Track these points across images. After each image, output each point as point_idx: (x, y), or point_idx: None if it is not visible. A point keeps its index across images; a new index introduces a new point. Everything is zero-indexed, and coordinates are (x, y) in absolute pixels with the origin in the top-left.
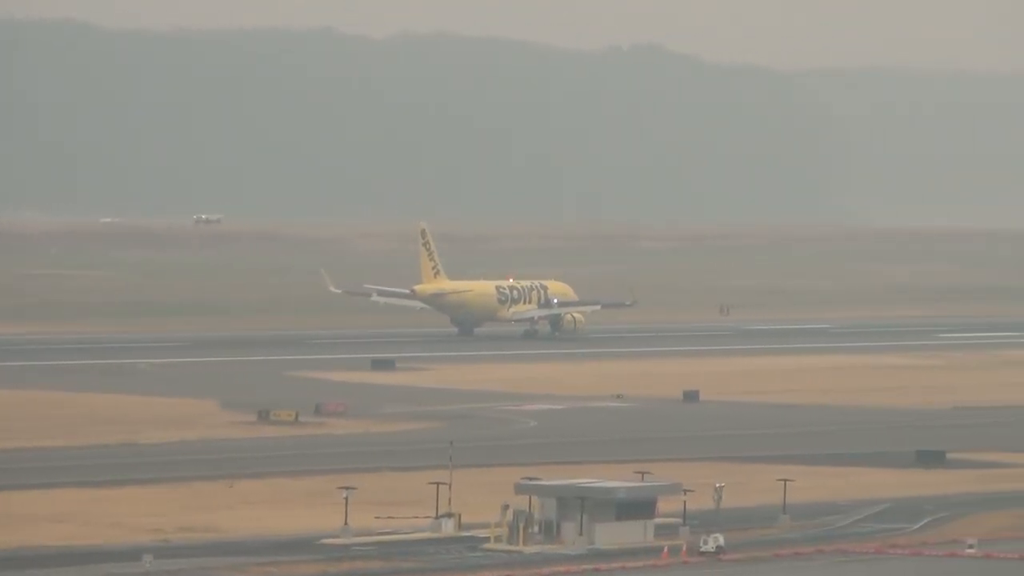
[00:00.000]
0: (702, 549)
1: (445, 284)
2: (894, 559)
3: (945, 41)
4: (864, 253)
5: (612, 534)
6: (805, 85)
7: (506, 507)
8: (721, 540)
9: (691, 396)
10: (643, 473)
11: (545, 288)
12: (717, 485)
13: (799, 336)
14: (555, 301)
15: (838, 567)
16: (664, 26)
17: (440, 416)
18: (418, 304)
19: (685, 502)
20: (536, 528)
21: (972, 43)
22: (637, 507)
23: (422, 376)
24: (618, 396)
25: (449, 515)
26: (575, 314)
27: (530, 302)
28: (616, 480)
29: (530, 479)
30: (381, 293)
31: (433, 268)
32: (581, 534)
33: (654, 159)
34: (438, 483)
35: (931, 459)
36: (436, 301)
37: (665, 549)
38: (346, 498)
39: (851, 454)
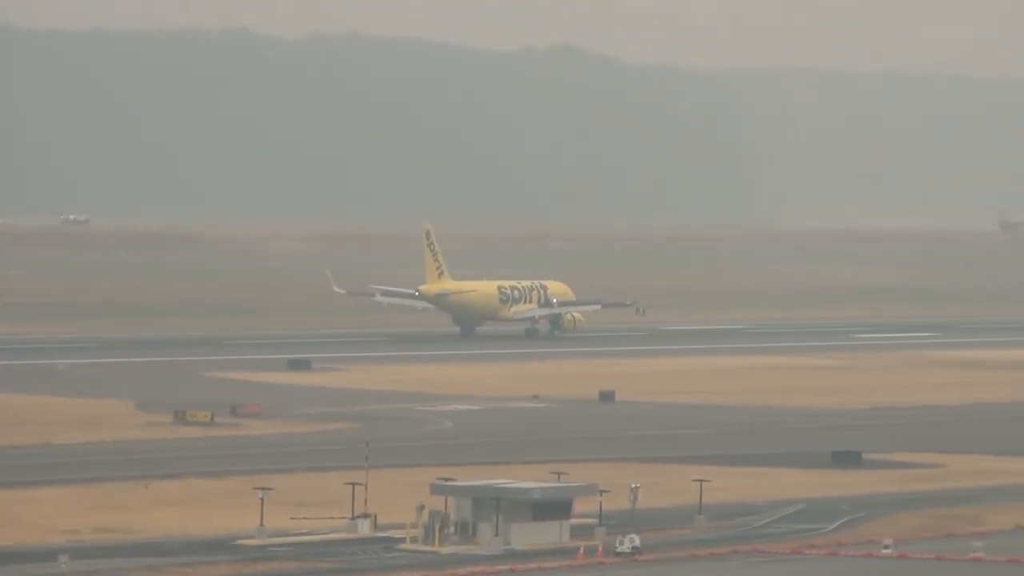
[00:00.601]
0: (618, 550)
1: (449, 284)
2: (810, 559)
3: (865, 41)
4: (782, 254)
5: (528, 535)
6: (726, 86)
7: (422, 508)
8: (637, 541)
9: (607, 396)
10: (559, 474)
11: (545, 288)
12: (633, 486)
13: (715, 337)
14: (555, 301)
15: (754, 568)
16: (581, 27)
17: (356, 417)
18: (422, 304)
19: (601, 503)
20: (452, 529)
21: (892, 43)
22: (553, 508)
23: (339, 377)
24: (534, 397)
25: (365, 516)
26: (575, 314)
27: (531, 302)
28: (532, 481)
29: (446, 480)
30: (385, 293)
31: (437, 269)
32: (497, 535)
33: (570, 160)
34: (354, 484)
35: (847, 459)
36: (440, 301)
37: (581, 550)
38: (262, 499)
39: (767, 455)
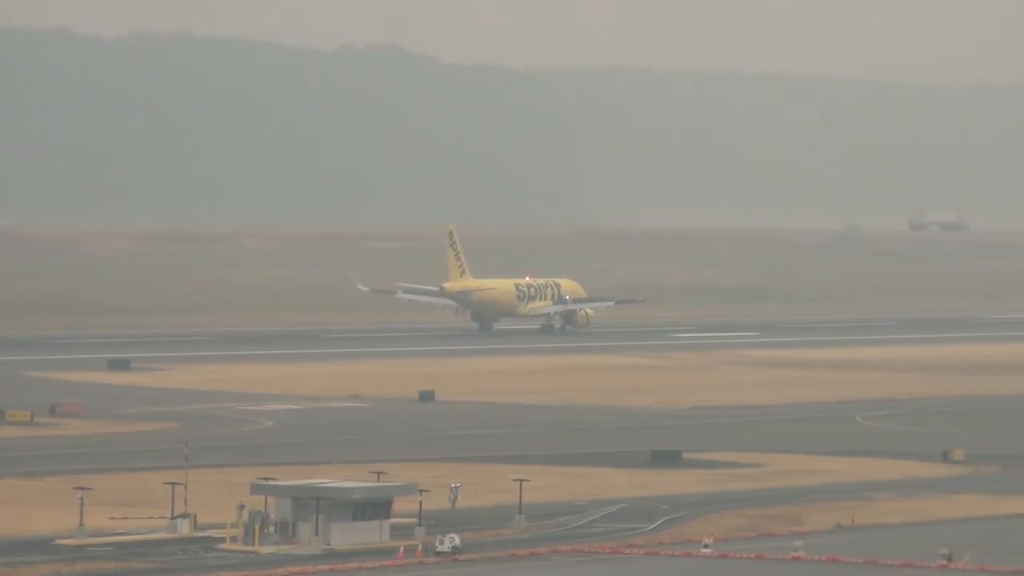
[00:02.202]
0: (438, 549)
1: (471, 282)
2: (630, 559)
3: (691, 40)
4: (602, 253)
5: (348, 534)
6: (546, 85)
7: (242, 507)
8: (457, 540)
9: (427, 396)
10: (379, 473)
11: (558, 286)
12: (453, 485)
13: (534, 336)
14: (568, 298)
15: (574, 567)
16: (400, 26)
17: (176, 417)
18: (442, 301)
19: (421, 502)
20: (272, 528)
21: (720, 43)
22: (373, 507)
23: (160, 377)
24: (355, 396)
25: (185, 515)
26: (587, 310)
27: (545, 299)
28: (352, 480)
29: (266, 479)
30: (407, 291)
31: (459, 267)
32: (317, 534)
33: (390, 159)
34: (173, 483)
35: (666, 459)
36: (462, 298)
37: (401, 549)
38: (81, 499)
39: (587, 454)
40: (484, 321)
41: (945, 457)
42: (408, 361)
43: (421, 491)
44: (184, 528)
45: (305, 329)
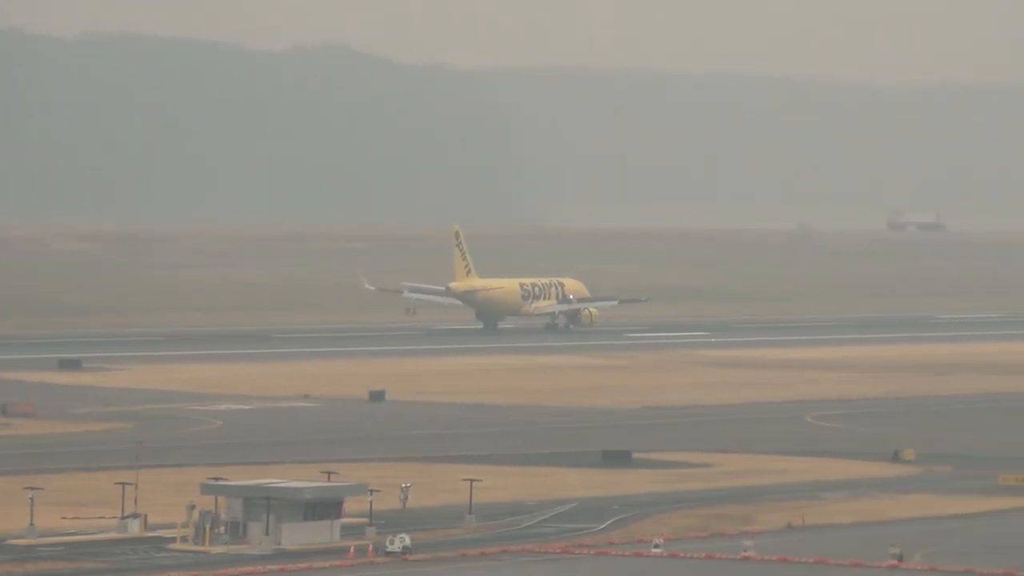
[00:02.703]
0: (388, 549)
1: (476, 282)
2: (580, 559)
3: (635, 40)
4: (553, 253)
5: (298, 534)
6: (496, 84)
7: (192, 507)
8: (407, 540)
9: (377, 396)
10: (329, 473)
11: (562, 285)
12: (403, 485)
13: (486, 336)
14: (571, 297)
15: (524, 567)
16: (349, 25)
17: (127, 416)
18: (447, 300)
19: (371, 502)
20: (222, 528)
21: (662, 42)
22: (323, 507)
23: (110, 377)
24: (305, 396)
25: (135, 515)
26: (591, 309)
27: (549, 298)
28: (302, 480)
29: (216, 479)
30: (413, 290)
31: (465, 267)
32: (267, 534)
33: (336, 159)
34: (124, 483)
35: (617, 459)
36: (468, 297)
37: (351, 549)
38: (31, 498)
39: (538, 454)
40: (489, 320)
41: (896, 457)
42: (359, 361)
43: (371, 491)
44: (135, 528)
45: (255, 329)
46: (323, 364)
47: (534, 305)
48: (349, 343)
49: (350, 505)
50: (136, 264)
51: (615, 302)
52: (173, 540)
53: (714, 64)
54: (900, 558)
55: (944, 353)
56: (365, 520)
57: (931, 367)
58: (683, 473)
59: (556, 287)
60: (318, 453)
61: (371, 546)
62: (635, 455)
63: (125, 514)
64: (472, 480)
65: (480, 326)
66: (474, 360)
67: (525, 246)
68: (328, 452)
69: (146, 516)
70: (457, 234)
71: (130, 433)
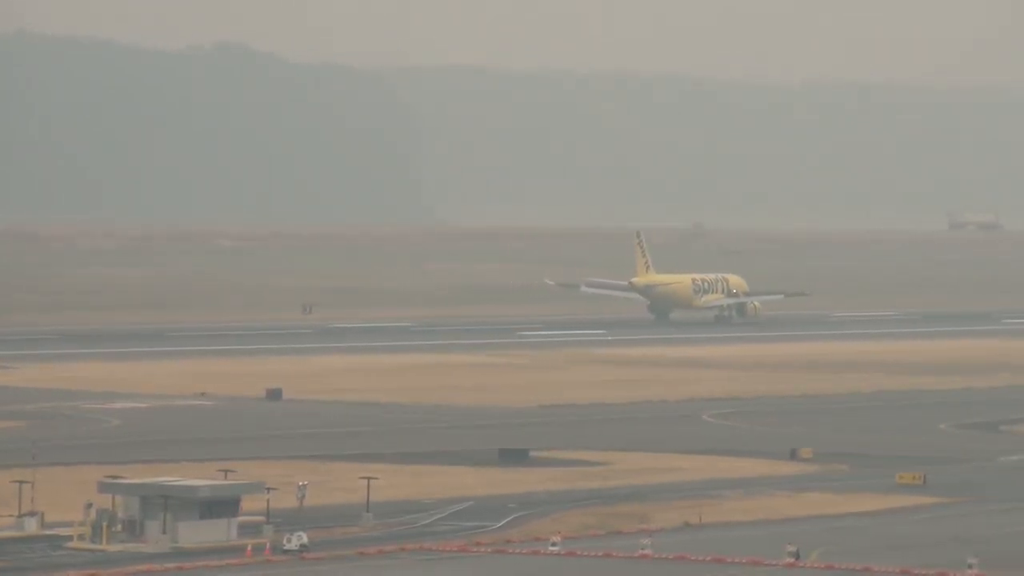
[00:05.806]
0: (285, 547)
1: (655, 278)
2: (478, 557)
3: (533, 39)
4: (446, 252)
5: (195, 532)
6: (394, 83)
7: (89, 506)
8: (305, 538)
9: (274, 394)
10: (226, 471)
11: (727, 280)
12: (300, 483)
13: (382, 335)
14: (735, 291)
15: (422, 566)
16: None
17: (23, 415)
18: (624, 294)
19: (268, 500)
20: (120, 527)
21: (563, 42)
22: (220, 505)
23: (5, 376)
24: (202, 394)
25: (32, 514)
26: (755, 303)
27: (717, 293)
28: (199, 479)
29: (113, 478)
30: (590, 284)
31: (645, 264)
32: (164, 533)
33: (239, 158)
34: (21, 482)
35: (514, 457)
36: (648, 292)
37: (249, 547)
38: None
39: (435, 453)
40: (660, 312)
41: (793, 455)
42: (256, 360)
43: (269, 489)
44: (31, 526)
45: (153, 328)
46: (221, 363)
47: (704, 299)
48: (246, 341)
49: (247, 504)
50: (21, 263)
51: (781, 296)
52: (70, 539)
53: (620, 62)
54: (797, 556)
55: (839, 351)
56: (262, 519)
57: (825, 365)
58: (580, 471)
59: (722, 282)
60: (215, 451)
61: (268, 544)
62: (532, 453)
63: (22, 512)
64: (369, 478)
65: (652, 317)
66: (370, 359)
67: (414, 244)
68: (225, 450)
69: (43, 514)
70: (638, 234)
71: (26, 432)
